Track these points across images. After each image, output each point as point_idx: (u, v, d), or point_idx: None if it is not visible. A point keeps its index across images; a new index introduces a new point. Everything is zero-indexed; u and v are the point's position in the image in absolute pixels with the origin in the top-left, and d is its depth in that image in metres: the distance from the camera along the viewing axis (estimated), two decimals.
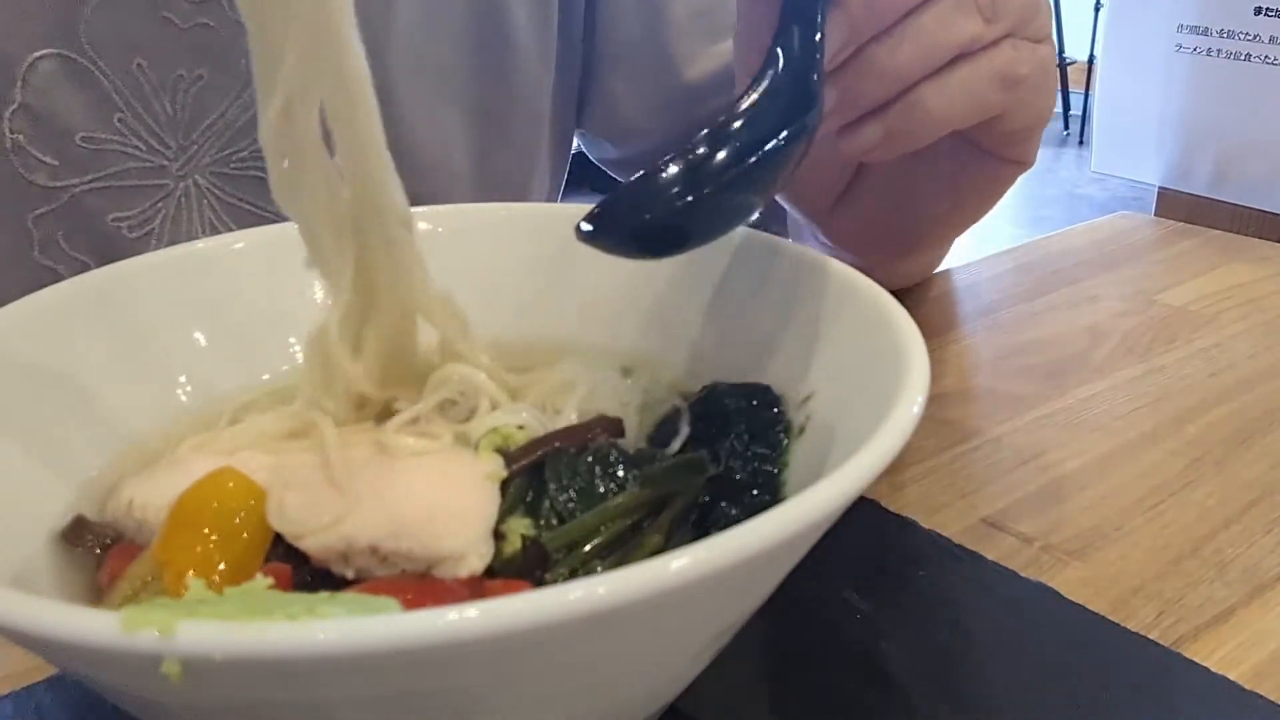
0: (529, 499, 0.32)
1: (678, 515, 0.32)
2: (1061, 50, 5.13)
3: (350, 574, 0.29)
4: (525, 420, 0.34)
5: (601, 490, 0.32)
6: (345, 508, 0.30)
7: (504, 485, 0.32)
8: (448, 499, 0.31)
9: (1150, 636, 0.35)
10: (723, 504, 0.33)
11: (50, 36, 0.56)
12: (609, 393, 0.36)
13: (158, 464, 0.34)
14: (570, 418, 0.36)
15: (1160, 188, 0.94)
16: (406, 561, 0.29)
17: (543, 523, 0.31)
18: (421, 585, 0.28)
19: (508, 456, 0.32)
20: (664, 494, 0.32)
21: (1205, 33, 0.87)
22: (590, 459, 0.33)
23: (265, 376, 0.40)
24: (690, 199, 0.33)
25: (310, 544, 0.29)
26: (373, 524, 0.29)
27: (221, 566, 0.29)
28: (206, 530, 0.29)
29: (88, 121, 0.56)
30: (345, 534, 0.29)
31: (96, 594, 0.31)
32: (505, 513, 0.31)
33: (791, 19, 0.38)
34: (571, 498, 0.32)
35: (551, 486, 0.32)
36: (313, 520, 0.30)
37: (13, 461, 0.33)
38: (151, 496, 0.32)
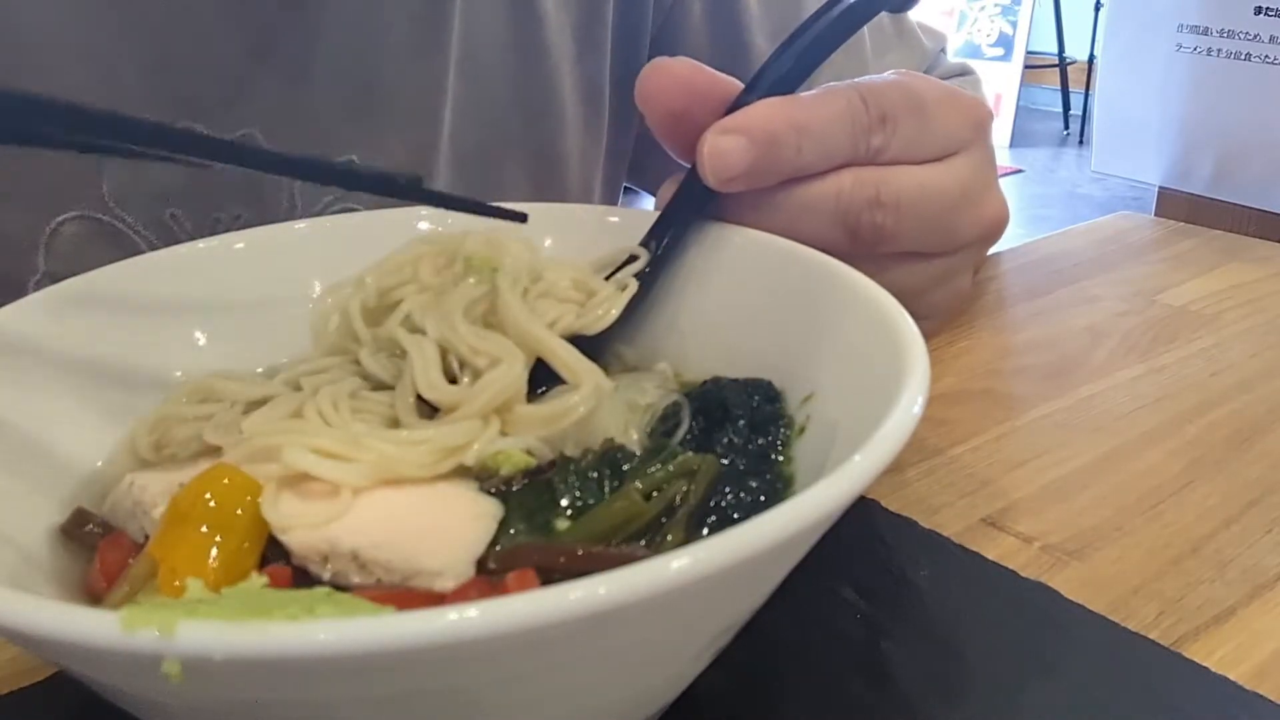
0: (535, 510, 0.32)
1: (693, 512, 0.32)
2: (1061, 50, 5.14)
3: (326, 576, 0.29)
4: (532, 445, 0.33)
5: (610, 495, 0.32)
6: (338, 511, 0.30)
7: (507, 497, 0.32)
8: (441, 524, 0.30)
9: (1150, 636, 0.35)
10: (729, 499, 0.33)
11: (72, 197, 0.52)
12: (607, 408, 0.36)
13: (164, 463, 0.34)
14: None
15: (1160, 188, 0.94)
16: (384, 571, 0.29)
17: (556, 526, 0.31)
18: (412, 595, 0.28)
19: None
20: (677, 493, 0.32)
21: (1205, 33, 0.87)
22: (595, 472, 0.33)
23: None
24: None
25: (293, 538, 0.29)
26: (360, 531, 0.29)
27: (216, 563, 0.29)
28: (202, 527, 0.29)
29: None
30: (330, 535, 0.29)
31: (90, 588, 0.31)
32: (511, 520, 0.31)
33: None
34: (584, 502, 0.32)
35: (561, 499, 0.32)
36: (303, 516, 0.30)
37: (10, 458, 0.33)
38: (151, 480, 0.32)
